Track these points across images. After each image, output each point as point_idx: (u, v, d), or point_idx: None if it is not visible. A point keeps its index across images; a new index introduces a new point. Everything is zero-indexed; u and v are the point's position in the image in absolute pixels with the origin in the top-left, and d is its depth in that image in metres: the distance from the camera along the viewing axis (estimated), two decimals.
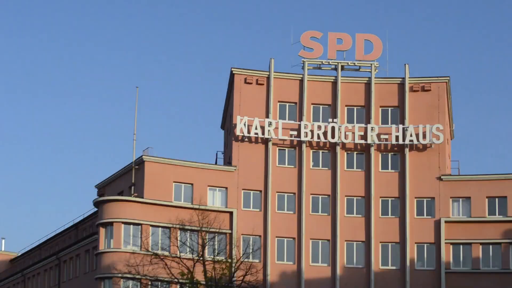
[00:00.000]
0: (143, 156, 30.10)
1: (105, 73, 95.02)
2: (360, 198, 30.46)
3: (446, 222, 28.85)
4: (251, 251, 27.56)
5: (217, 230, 26.95)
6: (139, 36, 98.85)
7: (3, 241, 52.10)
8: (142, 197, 29.31)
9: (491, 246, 28.86)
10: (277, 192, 30.48)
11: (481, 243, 28.72)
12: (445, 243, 28.56)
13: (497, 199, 29.29)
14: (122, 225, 29.01)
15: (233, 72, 31.53)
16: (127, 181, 31.68)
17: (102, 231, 29.36)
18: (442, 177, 29.81)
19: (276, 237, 29.97)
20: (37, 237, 66.82)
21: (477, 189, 29.52)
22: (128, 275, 27.41)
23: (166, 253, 26.90)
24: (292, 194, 30.64)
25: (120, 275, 28.14)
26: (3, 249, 50.60)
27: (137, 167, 30.33)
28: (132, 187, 30.58)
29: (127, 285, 28.94)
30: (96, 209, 31.47)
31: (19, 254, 48.46)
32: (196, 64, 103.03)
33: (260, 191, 30.54)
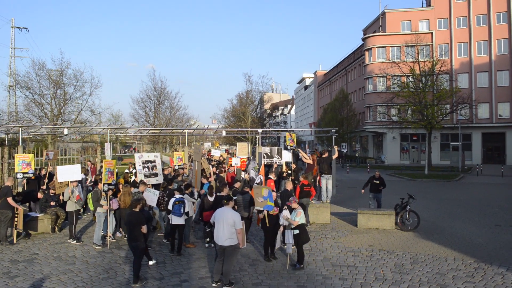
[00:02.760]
0: (385, 10, 55.13)
1: None
2: None
3: None
4: (443, 52, 50.40)
5: (425, 44, 49.66)
6: None
7: (320, 65, 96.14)
8: (385, 32, 54.41)
9: None
10: (457, 16, 51.29)
11: None
12: None
13: None
14: (376, 48, 54.54)
15: None
16: (377, 25, 58.73)
17: (366, 53, 55.87)
18: None
19: (457, 42, 52.07)
20: (334, 62, 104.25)
21: None
22: (380, 75, 52.17)
23: (399, 60, 47.76)
24: (465, 17, 51.00)
25: (375, 75, 53.48)
26: (320, 69, 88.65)
27: (382, 16, 56.04)
28: (380, 27, 56.72)
29: (379, 81, 53.93)
30: (362, 42, 58.95)
31: (327, 71, 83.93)
32: None
33: (447, 18, 51.63)
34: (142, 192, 12.36)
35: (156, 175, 14.63)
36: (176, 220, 10.99)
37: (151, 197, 12.27)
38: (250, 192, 11.42)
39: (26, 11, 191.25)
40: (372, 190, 16.46)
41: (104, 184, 11.63)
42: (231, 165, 20.78)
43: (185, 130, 28.18)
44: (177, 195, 11.31)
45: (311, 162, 17.86)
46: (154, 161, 14.77)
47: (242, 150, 22.32)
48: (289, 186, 12.25)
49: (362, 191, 17.03)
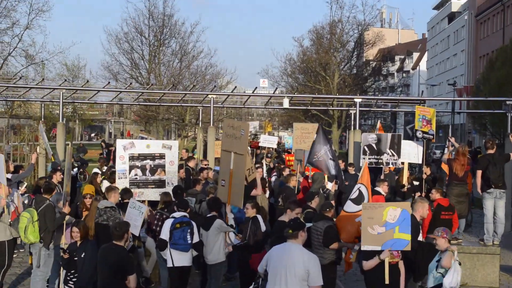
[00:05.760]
0: None
1: None
2: None
3: None
4: None
5: None
6: None
7: None
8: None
9: None
10: None
11: None
12: None
13: None
14: None
15: None
16: None
17: None
18: None
19: None
20: None
21: None
22: None
23: None
24: None
25: None
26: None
27: None
28: None
29: None
30: None
31: None
32: None
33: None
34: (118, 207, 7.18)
35: (160, 182, 8.56)
36: (180, 258, 6.66)
37: (134, 215, 6.68)
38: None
39: None
40: None
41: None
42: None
43: (210, 96, 16.44)
44: (177, 213, 6.92)
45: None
46: (163, 155, 8.70)
47: (303, 138, 13.20)
48: (421, 209, 6.72)
49: None
